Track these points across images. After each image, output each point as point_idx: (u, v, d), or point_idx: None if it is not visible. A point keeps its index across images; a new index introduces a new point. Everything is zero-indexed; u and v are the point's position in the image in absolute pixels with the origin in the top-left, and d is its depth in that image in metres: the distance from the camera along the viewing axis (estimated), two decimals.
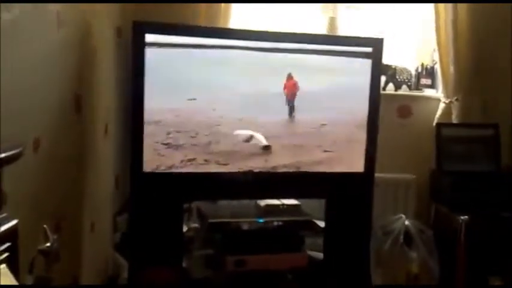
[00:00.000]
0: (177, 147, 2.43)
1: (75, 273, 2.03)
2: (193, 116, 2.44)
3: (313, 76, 2.60)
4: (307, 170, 2.63)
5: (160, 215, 2.41)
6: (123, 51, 2.58)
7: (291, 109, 2.58)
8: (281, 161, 2.58)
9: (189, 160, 2.45)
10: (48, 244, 1.45)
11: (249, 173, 2.53)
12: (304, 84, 2.56)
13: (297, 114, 2.59)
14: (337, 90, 2.64)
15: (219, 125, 2.48)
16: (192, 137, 2.44)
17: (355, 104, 2.66)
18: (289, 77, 2.54)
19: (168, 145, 2.42)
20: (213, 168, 2.49)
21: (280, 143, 2.59)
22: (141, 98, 2.33)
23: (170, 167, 2.42)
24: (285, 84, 2.55)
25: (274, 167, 2.58)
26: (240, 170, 2.52)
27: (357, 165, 2.71)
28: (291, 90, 2.57)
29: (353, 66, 2.65)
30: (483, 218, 2.91)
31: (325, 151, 2.66)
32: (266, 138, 2.56)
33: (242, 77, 2.51)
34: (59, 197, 1.86)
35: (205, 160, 2.47)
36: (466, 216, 2.85)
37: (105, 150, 2.46)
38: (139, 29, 2.33)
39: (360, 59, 2.63)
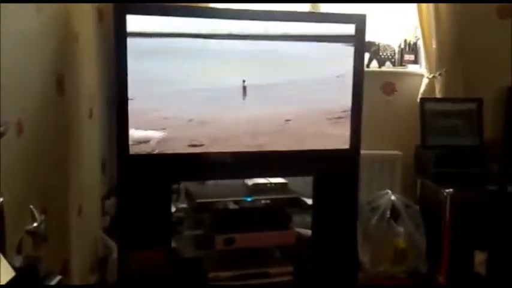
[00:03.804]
0: (163, 129, 2.43)
1: (64, 256, 2.04)
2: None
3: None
4: (294, 148, 2.65)
5: (148, 197, 2.41)
6: (105, 35, 2.56)
7: None
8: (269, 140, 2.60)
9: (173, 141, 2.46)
10: (35, 224, 1.45)
11: (236, 153, 2.54)
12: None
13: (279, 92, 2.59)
14: (320, 69, 2.64)
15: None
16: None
17: (339, 84, 2.67)
18: None
19: (154, 128, 2.42)
20: (200, 149, 2.49)
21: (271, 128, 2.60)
22: (125, 82, 2.32)
23: (156, 149, 2.42)
24: None
25: (260, 146, 2.58)
26: (227, 150, 2.53)
27: (343, 142, 2.73)
28: None
29: (336, 44, 2.66)
30: (468, 191, 2.96)
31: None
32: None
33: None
34: (45, 181, 1.86)
35: (192, 141, 2.48)
36: (451, 190, 2.90)
37: (91, 133, 2.45)
38: (121, 10, 2.31)
39: (343, 36, 2.63)
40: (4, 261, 1.10)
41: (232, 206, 2.72)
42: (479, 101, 3.18)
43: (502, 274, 2.95)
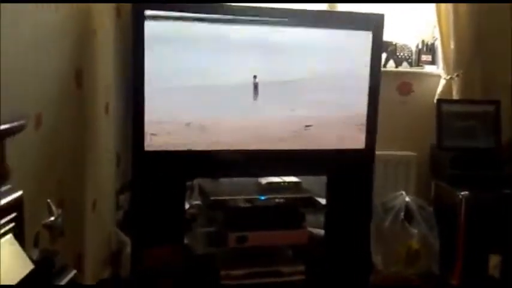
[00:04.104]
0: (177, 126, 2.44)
1: (78, 250, 2.05)
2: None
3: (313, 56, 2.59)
4: (308, 148, 2.64)
5: (162, 193, 2.42)
6: (123, 30, 2.58)
7: None
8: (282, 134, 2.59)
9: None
10: (52, 218, 1.46)
11: (250, 151, 2.54)
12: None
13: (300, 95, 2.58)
14: (337, 68, 2.63)
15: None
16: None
17: (356, 82, 2.66)
18: None
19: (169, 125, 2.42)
20: (215, 146, 2.50)
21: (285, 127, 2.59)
22: (142, 78, 2.33)
23: (172, 145, 2.43)
24: None
25: (273, 143, 2.58)
26: (241, 148, 2.53)
27: (358, 142, 2.71)
28: None
29: (353, 43, 2.64)
30: (483, 194, 2.93)
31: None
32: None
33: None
34: (61, 174, 1.87)
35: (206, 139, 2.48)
36: (466, 192, 2.87)
37: (106, 128, 2.47)
38: (138, 6, 2.32)
39: (361, 36, 2.61)
40: (23, 254, 1.11)
41: (245, 204, 2.72)
42: (497, 103, 3.14)
43: None
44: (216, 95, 2.47)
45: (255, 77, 2.50)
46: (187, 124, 2.44)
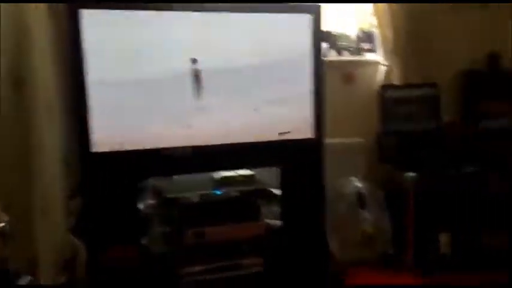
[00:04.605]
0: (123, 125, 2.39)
1: (31, 255, 1.97)
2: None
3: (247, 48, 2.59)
4: (260, 140, 2.65)
5: (113, 194, 2.37)
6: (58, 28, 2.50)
7: None
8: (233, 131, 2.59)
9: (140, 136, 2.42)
10: (1, 224, 1.41)
11: (202, 147, 2.52)
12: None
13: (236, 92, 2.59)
14: (279, 59, 2.65)
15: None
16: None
17: (298, 73, 2.69)
18: None
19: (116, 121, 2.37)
20: (165, 144, 2.46)
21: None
22: (82, 74, 2.27)
23: (120, 145, 2.38)
24: None
25: (226, 138, 2.58)
26: (192, 144, 2.51)
27: (307, 132, 2.75)
28: None
29: (293, 33, 2.67)
30: (429, 174, 3.04)
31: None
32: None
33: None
34: (5, 179, 1.79)
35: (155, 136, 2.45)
36: (413, 174, 2.96)
37: (51, 131, 2.38)
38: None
39: (300, 25, 2.65)
40: None
41: (200, 199, 2.70)
42: (435, 86, 3.27)
43: (466, 254, 3.04)
44: (162, 88, 2.43)
45: (194, 60, 2.48)
46: (134, 122, 2.40)
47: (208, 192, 2.70)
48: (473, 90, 3.32)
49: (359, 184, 3.13)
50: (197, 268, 2.51)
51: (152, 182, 2.62)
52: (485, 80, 3.33)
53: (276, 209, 2.83)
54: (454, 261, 3.01)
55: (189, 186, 2.69)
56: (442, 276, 2.88)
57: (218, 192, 2.71)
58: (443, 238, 3.07)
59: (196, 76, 2.50)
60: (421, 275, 2.90)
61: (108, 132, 2.36)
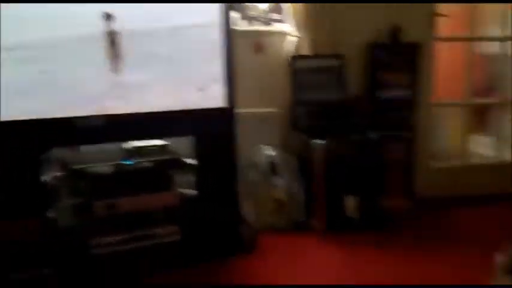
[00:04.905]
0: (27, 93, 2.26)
1: None
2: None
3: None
4: (172, 109, 2.63)
5: (14, 166, 2.25)
6: None
7: None
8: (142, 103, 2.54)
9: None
10: None
11: (112, 116, 2.45)
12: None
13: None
14: (188, 27, 2.63)
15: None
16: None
17: (208, 41, 2.68)
18: None
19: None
20: (71, 113, 2.37)
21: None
22: None
23: (20, 114, 2.25)
24: None
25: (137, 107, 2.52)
26: (102, 113, 2.43)
27: (220, 101, 2.76)
28: None
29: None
30: (337, 141, 3.17)
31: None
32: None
33: None
34: None
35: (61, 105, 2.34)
36: (322, 142, 3.07)
37: None
38: None
39: None
40: None
41: (111, 170, 2.63)
42: (342, 57, 3.39)
43: (371, 216, 3.22)
44: (67, 51, 2.33)
45: (108, 16, 2.39)
46: (35, 89, 2.28)
47: (119, 162, 2.63)
48: (375, 62, 3.48)
49: (272, 153, 3.20)
50: (109, 239, 2.46)
51: (58, 152, 2.50)
52: (387, 52, 3.49)
53: (190, 178, 2.83)
54: (360, 223, 3.17)
55: (98, 157, 2.61)
56: (349, 238, 3.03)
57: (129, 163, 2.65)
58: (350, 202, 3.23)
59: (112, 39, 2.41)
60: (330, 238, 3.03)
61: (6, 101, 2.22)
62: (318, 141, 3.07)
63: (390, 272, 2.61)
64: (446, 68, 3.78)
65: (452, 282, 2.37)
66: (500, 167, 3.84)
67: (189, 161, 2.86)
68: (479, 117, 4.09)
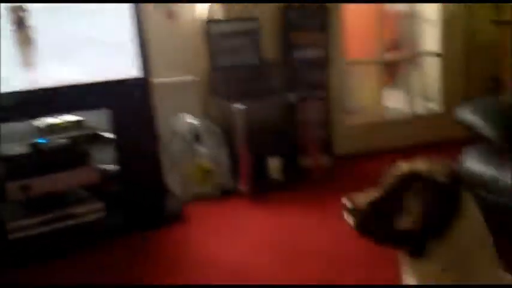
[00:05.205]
0: None
1: None
2: None
3: None
4: (83, 82, 2.53)
5: None
6: None
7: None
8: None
9: None
10: None
11: (21, 93, 2.32)
12: None
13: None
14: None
15: None
16: None
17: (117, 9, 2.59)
18: None
19: None
20: None
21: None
22: None
23: None
24: None
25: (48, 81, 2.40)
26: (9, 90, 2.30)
27: (133, 71, 2.69)
28: None
29: None
30: (257, 105, 3.21)
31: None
32: None
33: None
34: None
35: None
36: (242, 106, 3.08)
37: None
38: None
39: None
40: None
41: (24, 150, 2.51)
42: (256, 20, 3.39)
43: (294, 175, 3.32)
44: None
45: None
46: None
47: (32, 141, 2.52)
48: (288, 24, 3.50)
49: (193, 121, 3.17)
50: (28, 222, 2.37)
51: None
52: (299, 13, 3.52)
53: (110, 153, 2.76)
54: (283, 184, 3.26)
55: (10, 137, 2.48)
56: (275, 198, 3.11)
57: (44, 141, 2.54)
58: (274, 164, 3.30)
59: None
60: (257, 200, 3.10)
61: None
62: (238, 106, 3.08)
63: (313, 224, 2.73)
64: (359, 26, 3.89)
65: None
66: (411, 120, 4.06)
67: (107, 135, 2.79)
68: (391, 73, 4.28)
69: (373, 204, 1.09)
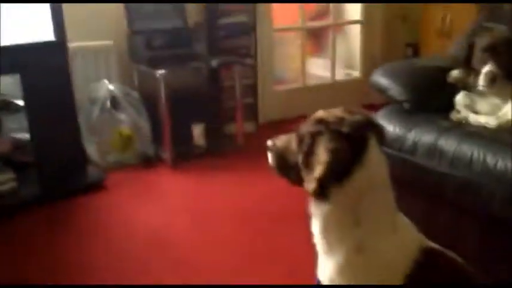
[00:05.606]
0: None
1: None
2: None
3: None
4: None
5: None
6: None
7: None
8: None
9: None
10: None
11: None
12: None
13: None
14: None
15: None
16: None
17: None
18: None
19: None
20: None
21: None
22: None
23: None
24: None
25: None
26: None
27: (47, 33, 2.56)
28: None
29: None
30: (178, 70, 3.15)
31: None
32: None
33: None
34: None
35: None
36: (163, 71, 3.01)
37: None
38: None
39: None
40: None
41: None
42: None
43: (217, 142, 3.33)
44: None
45: None
46: None
47: None
48: None
49: (112, 87, 3.08)
50: None
51: None
52: None
53: (24, 121, 2.64)
54: (206, 150, 3.26)
55: None
56: (197, 165, 3.11)
57: None
58: (197, 130, 3.29)
59: None
60: (179, 167, 3.08)
61: None
62: (159, 72, 3.01)
63: (233, 190, 2.77)
64: None
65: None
66: (333, 86, 4.16)
67: (20, 102, 2.66)
68: (317, 42, 4.34)
69: (287, 145, 1.19)
